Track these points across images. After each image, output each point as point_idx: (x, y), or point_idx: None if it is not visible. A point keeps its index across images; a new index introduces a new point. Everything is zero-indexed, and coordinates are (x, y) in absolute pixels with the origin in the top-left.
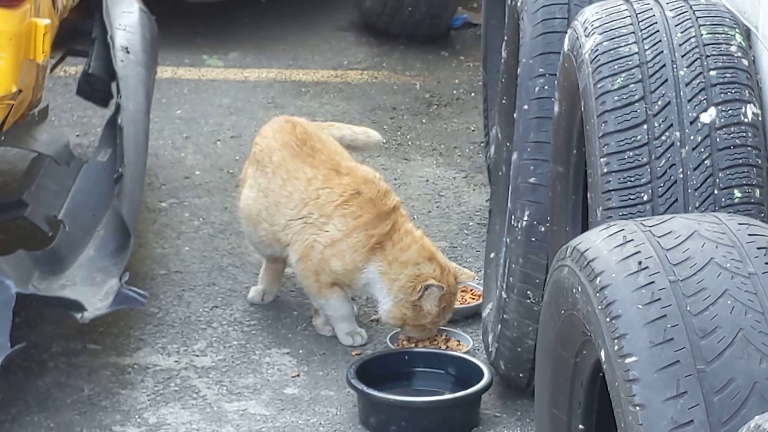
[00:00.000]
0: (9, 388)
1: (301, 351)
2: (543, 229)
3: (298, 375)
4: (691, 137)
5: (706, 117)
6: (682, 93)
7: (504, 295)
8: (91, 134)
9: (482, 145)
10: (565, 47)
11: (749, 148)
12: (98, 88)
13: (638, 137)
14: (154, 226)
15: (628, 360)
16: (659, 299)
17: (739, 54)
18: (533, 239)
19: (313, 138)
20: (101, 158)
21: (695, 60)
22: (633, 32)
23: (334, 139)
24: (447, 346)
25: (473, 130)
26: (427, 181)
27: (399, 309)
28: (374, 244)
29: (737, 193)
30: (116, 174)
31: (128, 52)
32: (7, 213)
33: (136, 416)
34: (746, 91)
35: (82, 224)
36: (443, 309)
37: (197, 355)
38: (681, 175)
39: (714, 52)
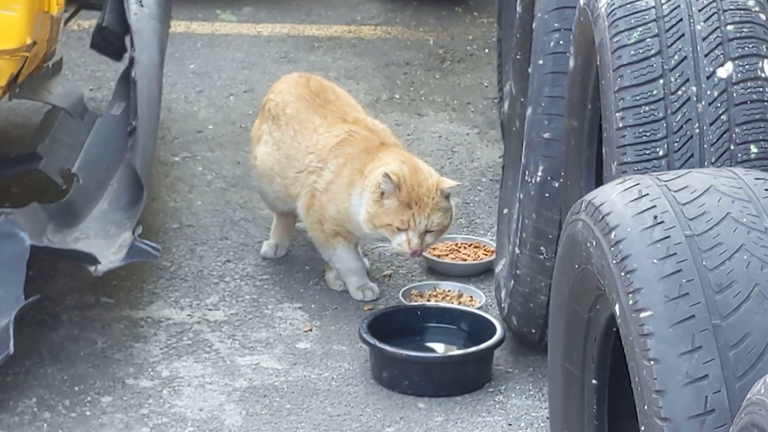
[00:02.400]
0: (23, 340)
1: (313, 306)
2: (556, 184)
3: (311, 329)
4: (708, 92)
5: (723, 72)
6: (698, 47)
7: (517, 250)
8: (104, 88)
9: (495, 100)
10: (581, 1)
11: (766, 103)
12: (112, 41)
13: (654, 92)
14: (167, 180)
15: (642, 314)
16: (675, 254)
17: (757, 8)
18: (546, 194)
19: (327, 90)
20: (115, 112)
21: (712, 14)
22: None
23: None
24: (459, 302)
25: (486, 86)
26: (440, 136)
27: (366, 210)
28: (355, 175)
29: (753, 149)
30: (130, 127)
31: (142, 5)
32: (21, 166)
33: (149, 369)
34: (763, 46)
35: (95, 177)
36: (408, 205)
37: (210, 309)
38: (697, 131)
39: (731, 7)
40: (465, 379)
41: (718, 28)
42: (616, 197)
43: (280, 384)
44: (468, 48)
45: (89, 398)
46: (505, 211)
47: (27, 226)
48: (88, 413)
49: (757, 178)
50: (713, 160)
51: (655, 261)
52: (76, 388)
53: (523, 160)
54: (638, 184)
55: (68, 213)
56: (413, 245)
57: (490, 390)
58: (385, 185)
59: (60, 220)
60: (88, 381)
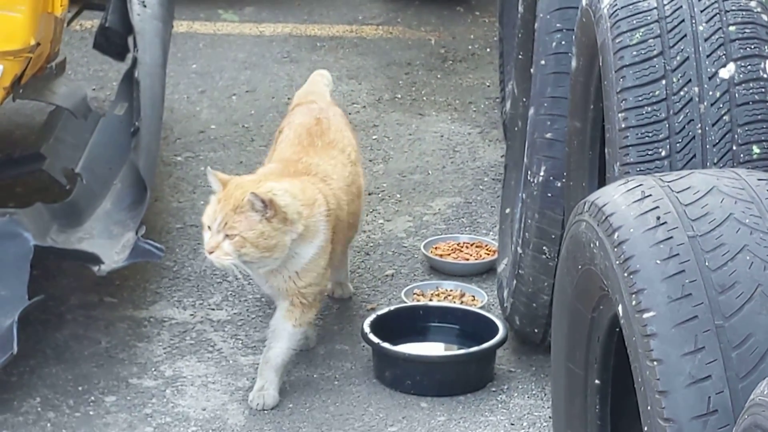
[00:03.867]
0: (27, 339)
1: None
2: (559, 184)
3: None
4: (710, 93)
5: (725, 72)
6: (701, 48)
7: (519, 250)
8: (107, 88)
9: (497, 100)
10: (584, 2)
11: None
12: (115, 41)
13: (656, 92)
14: (170, 180)
15: (645, 315)
16: (677, 254)
17: (759, 9)
18: (549, 194)
19: (326, 134)
20: (118, 112)
21: (714, 15)
22: None
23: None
24: (462, 301)
25: (488, 86)
26: (442, 136)
27: None
28: None
29: (756, 149)
30: (133, 127)
31: (145, 6)
32: (25, 166)
33: (153, 369)
34: (766, 47)
35: (99, 177)
36: (218, 201)
37: (213, 309)
38: (699, 131)
39: (733, 8)
40: (467, 379)
41: (720, 29)
42: (619, 198)
43: (283, 384)
44: (470, 48)
45: (93, 398)
46: (508, 210)
47: (31, 226)
48: (92, 413)
49: (759, 179)
50: (715, 161)
51: (658, 262)
52: (80, 388)
53: (525, 160)
54: (641, 185)
55: (72, 213)
56: (206, 244)
57: (493, 389)
58: (212, 183)
59: (64, 220)
60: (92, 380)
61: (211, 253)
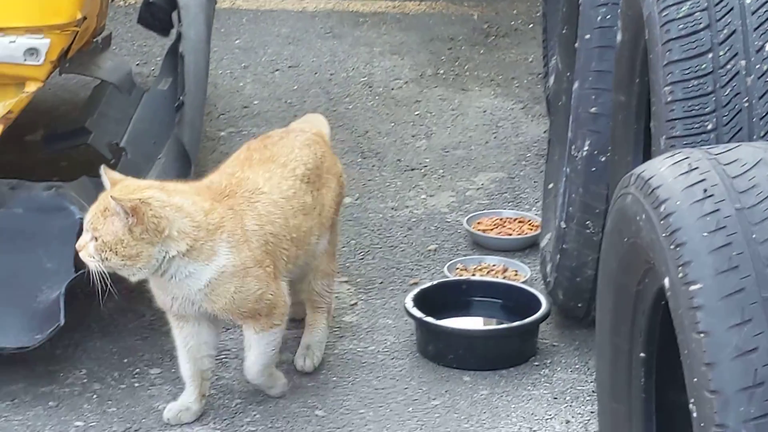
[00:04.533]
0: (72, 313)
1: (359, 280)
2: (603, 159)
3: (356, 303)
4: (757, 66)
5: None
6: (748, 21)
7: (563, 225)
8: (151, 63)
9: (540, 75)
10: None
11: None
12: (159, 17)
13: (703, 66)
14: (213, 155)
15: (692, 287)
16: (725, 227)
17: None
18: (593, 169)
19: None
20: (162, 87)
21: None
22: None
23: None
24: (504, 276)
25: (531, 61)
26: (485, 111)
27: None
28: None
29: None
30: (177, 102)
31: None
32: (70, 140)
33: None
34: None
35: (143, 152)
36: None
37: None
38: (746, 104)
39: None
40: (510, 353)
41: (767, 2)
42: (665, 171)
43: (327, 357)
44: (512, 23)
45: (138, 370)
46: (551, 185)
47: (76, 200)
48: (136, 385)
49: None
50: (762, 134)
51: (705, 234)
52: (125, 360)
53: (569, 134)
54: (688, 157)
55: None
56: (77, 241)
57: (536, 364)
58: (104, 181)
59: None
60: (137, 353)
61: (79, 251)
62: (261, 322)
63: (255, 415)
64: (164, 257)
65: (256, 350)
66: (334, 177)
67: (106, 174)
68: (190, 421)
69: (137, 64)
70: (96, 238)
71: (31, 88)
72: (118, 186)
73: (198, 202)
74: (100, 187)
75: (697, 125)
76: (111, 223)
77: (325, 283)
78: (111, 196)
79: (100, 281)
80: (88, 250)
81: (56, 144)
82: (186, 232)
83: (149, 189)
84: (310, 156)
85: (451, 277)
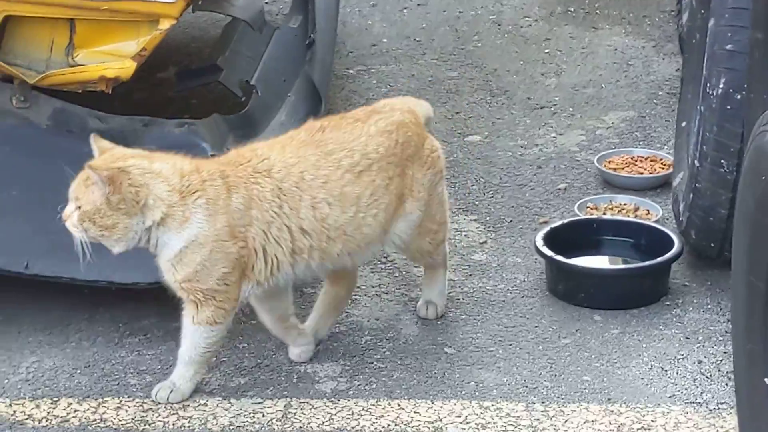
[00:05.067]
0: None
1: (488, 218)
2: (739, 96)
3: (486, 242)
4: None
5: None
6: None
7: (697, 164)
8: (280, 1)
9: (672, 13)
10: None
11: None
12: None
13: None
14: (342, 93)
15: None
16: None
17: None
18: (729, 107)
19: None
20: (292, 24)
21: None
22: None
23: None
24: (636, 215)
25: None
26: (616, 50)
27: None
28: None
29: None
30: (307, 40)
31: None
32: (201, 78)
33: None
34: None
35: (274, 89)
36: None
37: None
38: None
39: None
40: (641, 293)
41: None
42: None
43: (456, 295)
44: None
45: None
46: (684, 124)
47: (208, 137)
48: None
49: None
50: None
51: None
52: None
53: (704, 72)
54: None
55: (247, 124)
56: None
57: (667, 303)
58: (93, 149)
59: (239, 131)
60: None
61: (65, 221)
62: (203, 313)
63: (384, 351)
64: (142, 229)
65: (189, 341)
66: (423, 161)
67: (96, 143)
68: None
69: (267, 2)
70: (78, 207)
71: (165, 25)
72: (105, 155)
73: (178, 164)
74: (230, 125)
75: None
76: (91, 192)
77: (430, 240)
78: (89, 165)
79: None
80: (72, 219)
81: (188, 81)
82: (162, 198)
83: (133, 158)
84: (380, 144)
85: (582, 216)
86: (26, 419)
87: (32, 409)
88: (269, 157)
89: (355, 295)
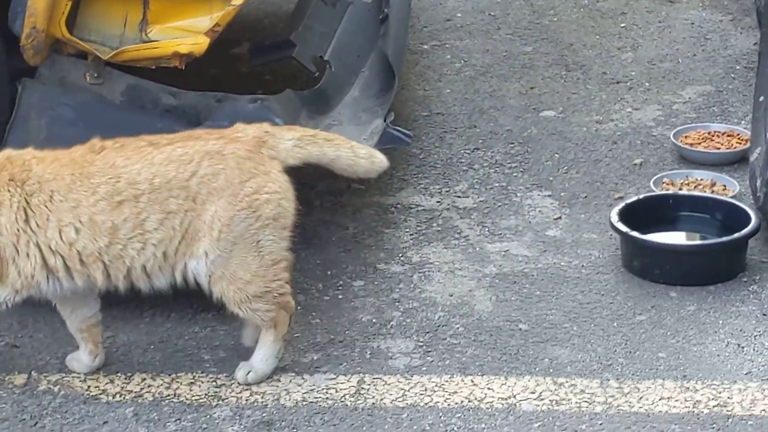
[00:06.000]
0: None
1: (563, 194)
2: None
3: (560, 217)
4: None
5: None
6: None
7: None
8: None
9: None
10: None
11: None
12: None
13: None
14: (416, 68)
15: None
16: None
17: None
18: None
19: None
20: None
21: None
22: None
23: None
24: (712, 191)
25: None
26: (693, 24)
27: None
28: None
29: None
30: (381, 15)
31: None
32: (274, 53)
33: (400, 255)
34: None
35: (347, 65)
36: None
37: (459, 196)
38: None
39: None
40: (718, 269)
41: None
42: None
43: (530, 271)
44: None
45: (341, 282)
46: (761, 98)
47: (281, 113)
48: (340, 297)
49: None
50: None
51: None
52: (329, 272)
53: None
54: None
55: (321, 100)
56: None
57: (744, 280)
58: None
59: (313, 106)
60: (341, 265)
61: None
62: None
63: (458, 328)
64: None
65: None
66: (236, 200)
67: None
68: None
69: None
70: None
71: (238, 0)
72: None
73: None
74: (303, 101)
75: None
76: None
77: (237, 289)
78: None
79: None
80: None
81: (261, 57)
82: None
83: None
84: (159, 174)
85: (658, 192)
86: (100, 394)
87: (106, 384)
88: (32, 168)
89: (429, 271)
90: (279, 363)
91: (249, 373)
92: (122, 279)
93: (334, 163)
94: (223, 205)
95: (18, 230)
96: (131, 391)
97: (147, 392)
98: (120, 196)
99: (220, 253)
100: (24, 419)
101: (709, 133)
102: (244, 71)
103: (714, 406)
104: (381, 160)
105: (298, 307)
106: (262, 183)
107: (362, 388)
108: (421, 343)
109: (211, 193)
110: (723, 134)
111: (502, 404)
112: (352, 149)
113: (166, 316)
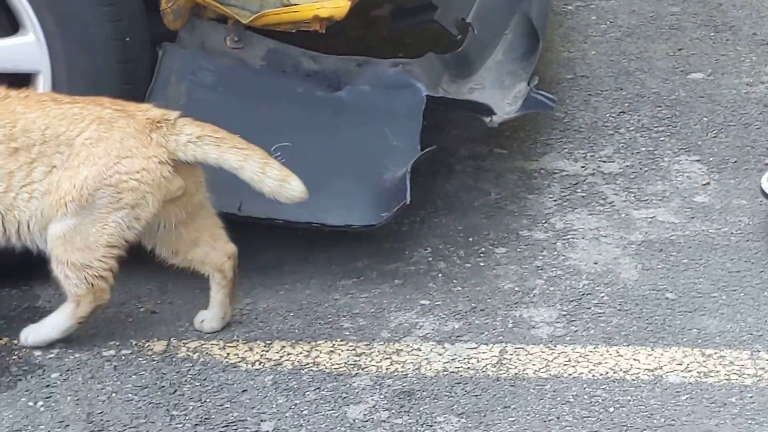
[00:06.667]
0: (418, 190)
1: (711, 158)
2: None
3: (709, 183)
4: None
5: None
6: None
7: None
8: None
9: None
10: None
11: None
12: None
13: None
14: (560, 30)
15: None
16: None
17: None
18: None
19: None
20: None
21: None
22: None
23: None
24: None
25: None
26: None
27: None
28: None
29: None
30: None
31: None
32: (416, 16)
33: (543, 221)
34: None
35: (490, 28)
36: None
37: (604, 161)
38: None
39: None
40: None
41: None
42: None
43: (677, 238)
44: None
45: (483, 249)
46: None
47: (423, 77)
48: (482, 264)
49: None
50: None
51: None
52: (470, 239)
53: None
54: None
55: (463, 63)
56: None
57: None
58: None
59: (455, 70)
60: (482, 232)
61: None
62: None
63: (603, 297)
64: None
65: None
66: (102, 168)
67: None
68: None
69: None
70: None
71: None
72: None
73: None
74: (445, 65)
75: None
76: None
77: (74, 261)
78: None
79: None
80: None
81: (403, 20)
82: None
83: None
84: (50, 127)
85: None
86: (239, 362)
87: (245, 351)
88: None
89: (573, 238)
90: (419, 331)
91: (29, 335)
92: (15, 234)
93: (239, 173)
94: (93, 173)
95: None
96: (270, 359)
97: (286, 360)
98: (15, 142)
99: (73, 218)
100: (163, 386)
101: None
102: (385, 34)
103: None
104: (293, 188)
105: (439, 275)
106: (137, 167)
107: (504, 358)
108: (565, 312)
109: (88, 158)
110: None
111: (648, 376)
112: (263, 167)
113: (306, 283)
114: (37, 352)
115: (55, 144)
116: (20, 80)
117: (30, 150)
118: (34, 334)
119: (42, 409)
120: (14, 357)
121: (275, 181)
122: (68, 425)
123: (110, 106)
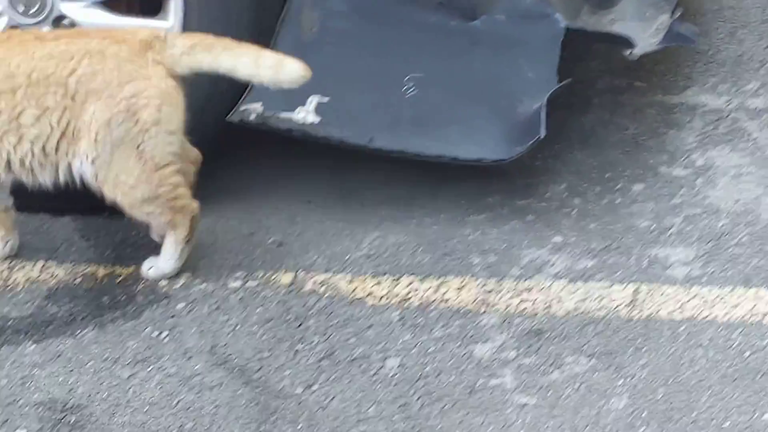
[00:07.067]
0: (553, 124)
1: None
2: None
3: None
4: None
5: None
6: None
7: None
8: None
9: None
10: None
11: None
12: None
13: None
14: None
15: None
16: None
17: None
18: None
19: None
20: None
21: None
22: None
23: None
24: None
25: None
26: None
27: None
28: None
29: None
30: None
31: None
32: None
33: (683, 158)
34: None
35: None
36: None
37: (749, 96)
38: None
39: None
40: None
41: None
42: None
43: None
44: None
45: (619, 185)
46: None
47: (561, 7)
48: (618, 201)
49: None
50: None
51: None
52: (606, 175)
53: None
54: None
55: None
56: None
57: None
58: None
59: (596, 1)
60: (618, 168)
61: None
62: None
63: (742, 237)
64: None
65: None
66: (114, 102)
67: None
68: None
69: None
70: None
71: None
72: None
73: None
74: None
75: None
76: None
77: (123, 193)
78: None
79: None
80: None
81: None
82: None
83: None
84: (37, 69)
85: None
86: (366, 296)
87: (373, 286)
88: None
89: (713, 176)
90: (550, 269)
91: (151, 268)
92: (2, 170)
93: (233, 73)
94: (100, 106)
95: None
96: (397, 295)
97: (414, 296)
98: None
99: (98, 154)
100: (288, 319)
101: None
102: None
103: None
104: (292, 70)
105: (573, 211)
106: (142, 87)
107: (637, 298)
108: (702, 252)
109: (90, 93)
110: None
111: None
112: (255, 59)
113: (435, 217)
114: (163, 282)
115: (45, 86)
116: None
117: (14, 94)
118: (155, 267)
119: (166, 339)
120: (140, 286)
121: (271, 68)
122: (191, 357)
123: (97, 37)
